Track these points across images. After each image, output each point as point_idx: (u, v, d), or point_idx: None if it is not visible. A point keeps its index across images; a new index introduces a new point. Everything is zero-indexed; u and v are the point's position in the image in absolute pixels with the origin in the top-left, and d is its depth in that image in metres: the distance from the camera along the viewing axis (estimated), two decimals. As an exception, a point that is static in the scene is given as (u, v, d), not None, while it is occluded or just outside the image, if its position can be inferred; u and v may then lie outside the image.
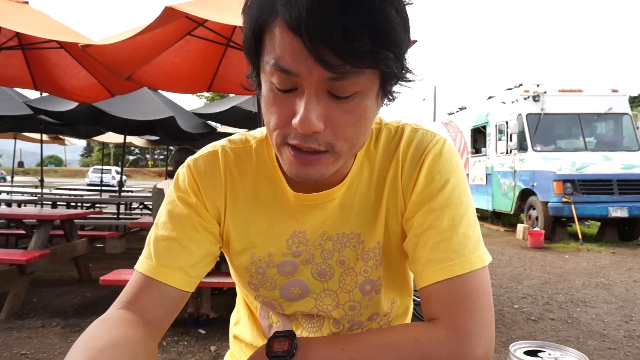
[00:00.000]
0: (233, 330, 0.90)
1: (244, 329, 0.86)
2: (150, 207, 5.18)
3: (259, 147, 0.73)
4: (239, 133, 0.76)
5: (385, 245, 0.72)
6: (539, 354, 0.50)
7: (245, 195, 0.72)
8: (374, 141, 0.72)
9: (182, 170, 0.73)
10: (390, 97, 0.60)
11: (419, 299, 0.65)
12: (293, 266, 0.72)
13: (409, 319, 0.84)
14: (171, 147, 11.82)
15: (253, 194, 0.72)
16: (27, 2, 4.01)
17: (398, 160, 0.69)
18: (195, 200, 0.70)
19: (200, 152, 0.74)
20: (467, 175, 10.80)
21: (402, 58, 0.54)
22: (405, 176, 0.69)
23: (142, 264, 0.67)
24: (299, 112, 0.53)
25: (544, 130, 8.24)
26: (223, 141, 0.75)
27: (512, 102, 8.64)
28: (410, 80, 0.58)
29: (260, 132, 0.75)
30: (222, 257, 0.80)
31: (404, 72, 0.56)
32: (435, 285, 0.61)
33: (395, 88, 0.59)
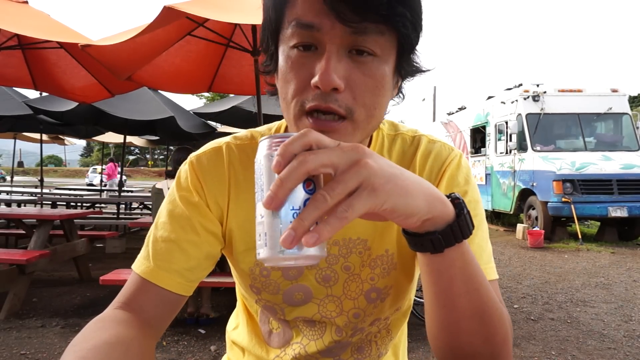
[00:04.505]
0: (231, 334, 0.88)
1: (242, 334, 0.84)
2: (150, 207, 5.18)
3: None
4: (246, 130, 0.75)
5: (399, 254, 0.71)
6: None
7: (249, 192, 0.69)
8: (387, 147, 0.72)
9: (184, 168, 0.71)
10: (402, 94, 0.63)
11: (421, 299, 0.65)
12: (298, 270, 0.71)
13: (406, 319, 0.83)
14: (171, 147, 11.81)
15: None
16: (26, 2, 4.01)
17: (415, 170, 0.69)
18: (198, 200, 0.68)
19: (204, 149, 0.72)
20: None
21: (417, 23, 0.55)
22: None
23: (140, 265, 0.67)
24: (319, 69, 0.52)
25: (544, 130, 8.25)
26: (228, 138, 0.73)
27: (512, 102, 8.65)
28: (421, 71, 0.61)
29: (267, 128, 0.74)
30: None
31: (418, 42, 0.57)
32: None
33: (405, 85, 0.62)
